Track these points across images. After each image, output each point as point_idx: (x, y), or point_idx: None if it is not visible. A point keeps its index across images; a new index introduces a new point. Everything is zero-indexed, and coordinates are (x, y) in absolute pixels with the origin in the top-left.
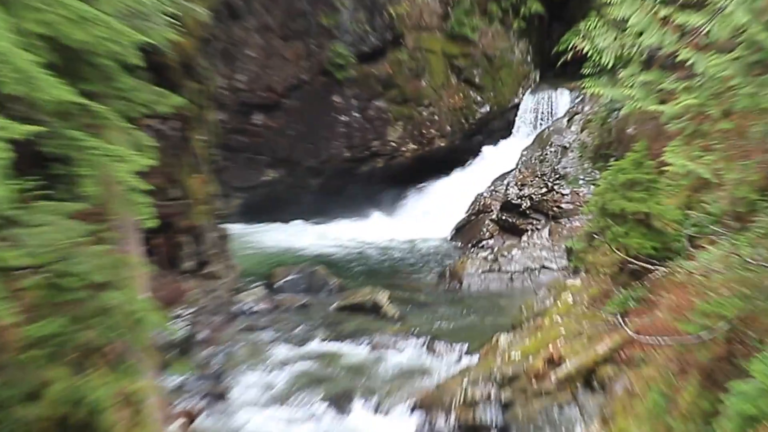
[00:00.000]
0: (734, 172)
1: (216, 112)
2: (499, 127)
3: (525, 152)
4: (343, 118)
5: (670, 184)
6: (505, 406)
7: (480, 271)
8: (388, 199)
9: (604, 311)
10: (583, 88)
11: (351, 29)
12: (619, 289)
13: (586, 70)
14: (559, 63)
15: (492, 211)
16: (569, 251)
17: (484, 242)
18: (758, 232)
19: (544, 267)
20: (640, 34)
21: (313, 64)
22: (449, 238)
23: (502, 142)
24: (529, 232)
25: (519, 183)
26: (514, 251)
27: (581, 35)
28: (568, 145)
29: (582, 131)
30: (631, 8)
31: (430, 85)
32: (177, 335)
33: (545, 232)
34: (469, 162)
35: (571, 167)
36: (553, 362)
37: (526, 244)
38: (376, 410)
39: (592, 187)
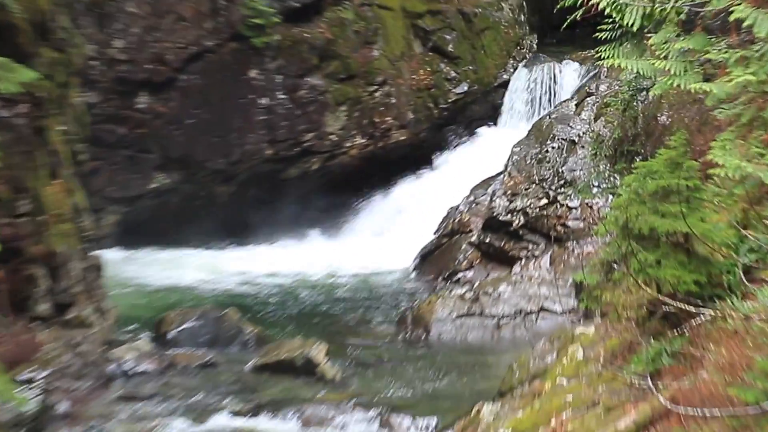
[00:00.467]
0: None
1: (84, 93)
2: (481, 113)
3: (517, 149)
4: (263, 101)
5: (719, 194)
6: None
7: (454, 315)
8: (326, 214)
9: (627, 371)
10: (598, 59)
11: None
12: (648, 341)
13: (601, 35)
14: (565, 25)
15: (471, 231)
16: (579, 287)
17: (460, 275)
18: None
19: (543, 309)
20: None
21: (221, 25)
22: (412, 268)
23: (486, 135)
24: (523, 261)
25: (509, 192)
26: (502, 287)
27: None
28: (576, 139)
29: (596, 119)
30: None
31: (385, 55)
32: (27, 408)
33: (545, 261)
34: (439, 162)
35: (581, 170)
36: None
37: (519, 278)
38: None
39: (610, 197)
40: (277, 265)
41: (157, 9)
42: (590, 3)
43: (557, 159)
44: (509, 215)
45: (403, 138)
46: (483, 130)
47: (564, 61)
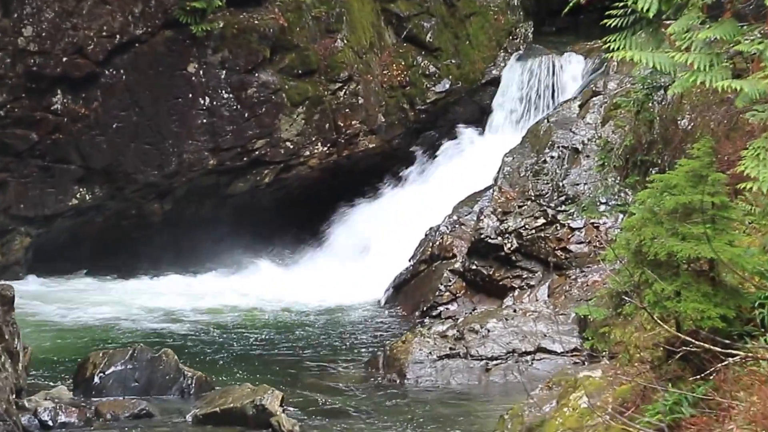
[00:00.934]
0: None
1: None
2: (467, 116)
3: (509, 158)
4: (204, 101)
5: (750, 213)
6: None
7: (435, 356)
8: (281, 236)
9: (640, 423)
10: (607, 51)
11: None
12: (665, 387)
13: (610, 22)
14: (567, 10)
15: (454, 256)
16: (583, 323)
17: (441, 309)
18: None
19: (540, 349)
20: None
21: (152, 9)
22: (384, 301)
23: (472, 142)
24: (517, 292)
25: (499, 210)
26: (492, 323)
27: None
28: (580, 147)
29: (604, 123)
30: None
31: (351, 45)
32: None
33: (543, 292)
34: (415, 175)
35: (585, 184)
36: None
37: (512, 312)
38: None
39: (620, 216)
40: (222, 297)
41: None
42: None
43: (557, 171)
44: (500, 238)
45: (372, 145)
46: (468, 136)
47: (566, 54)
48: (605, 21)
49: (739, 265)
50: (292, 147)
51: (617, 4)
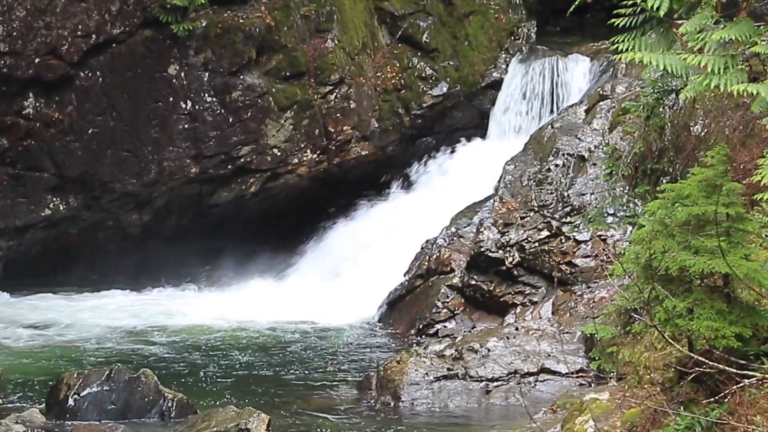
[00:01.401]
0: None
1: None
2: (466, 121)
3: (511, 167)
4: (185, 105)
5: (767, 225)
6: None
7: (431, 377)
8: (267, 249)
9: None
10: (614, 52)
11: None
12: (677, 410)
13: (618, 22)
14: (572, 9)
15: (453, 271)
16: (589, 342)
17: (438, 326)
18: None
19: (544, 370)
20: None
21: (131, 8)
22: (377, 318)
23: (471, 149)
24: (519, 309)
25: (500, 221)
26: (492, 342)
27: None
28: (586, 155)
29: (612, 130)
30: None
31: (342, 46)
32: None
33: (546, 309)
34: (411, 184)
35: (591, 193)
36: None
37: (514, 330)
38: None
39: (629, 229)
40: (205, 314)
41: None
42: None
43: (562, 180)
44: (501, 251)
45: (365, 153)
46: (467, 143)
47: (571, 56)
48: (613, 20)
49: (755, 281)
50: (279, 154)
51: (626, 2)
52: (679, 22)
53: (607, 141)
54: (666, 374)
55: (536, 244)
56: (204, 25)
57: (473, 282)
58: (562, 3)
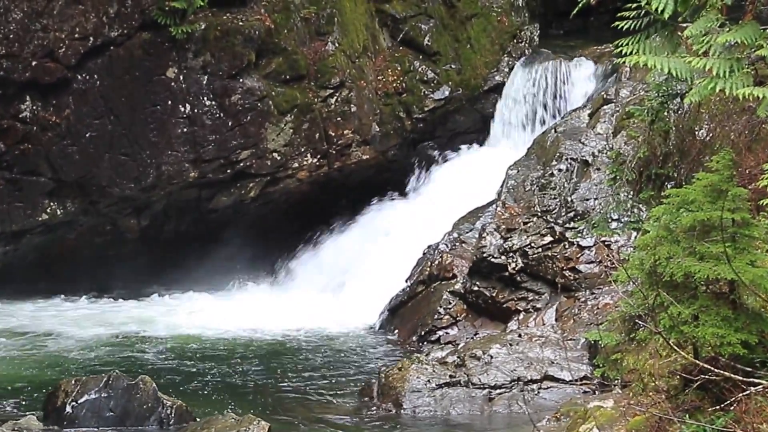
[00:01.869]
0: None
1: None
2: (468, 125)
3: (513, 171)
4: (184, 108)
5: None
6: None
7: (433, 384)
8: (267, 254)
9: None
10: (618, 55)
11: None
12: (682, 418)
13: (622, 24)
14: (576, 11)
15: (455, 277)
16: (593, 349)
17: (440, 333)
18: None
19: (547, 377)
20: None
21: (129, 10)
22: (378, 325)
23: (473, 153)
24: (522, 315)
25: (503, 227)
26: (495, 349)
27: None
28: (590, 160)
29: (616, 134)
30: None
31: (342, 49)
32: None
33: (550, 315)
34: (412, 189)
35: (595, 199)
36: None
37: (517, 337)
38: None
39: (633, 234)
40: (203, 320)
41: None
42: None
43: (565, 185)
44: (503, 257)
45: (366, 157)
46: (469, 147)
47: (575, 60)
48: (617, 23)
49: (761, 287)
50: (279, 158)
51: (630, 5)
52: (684, 25)
53: (611, 145)
54: (671, 382)
55: (539, 249)
56: (203, 27)
57: (476, 288)
58: (565, 6)
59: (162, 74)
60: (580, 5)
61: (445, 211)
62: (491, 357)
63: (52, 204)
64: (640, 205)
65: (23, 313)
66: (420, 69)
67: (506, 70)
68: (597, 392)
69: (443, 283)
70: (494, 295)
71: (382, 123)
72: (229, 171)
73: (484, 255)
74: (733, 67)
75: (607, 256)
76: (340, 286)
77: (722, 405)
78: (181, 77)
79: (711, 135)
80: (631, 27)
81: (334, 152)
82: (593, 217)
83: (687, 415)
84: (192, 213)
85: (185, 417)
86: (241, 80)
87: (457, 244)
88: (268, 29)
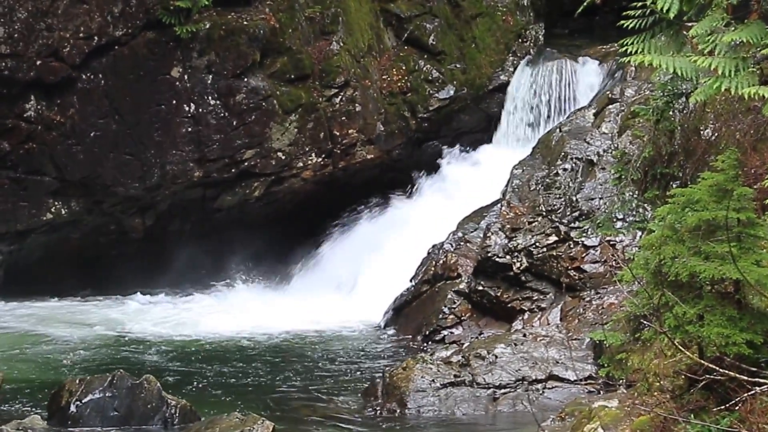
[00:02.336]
0: None
1: None
2: (472, 125)
3: (518, 171)
4: (189, 108)
5: None
6: None
7: (438, 384)
8: (271, 254)
9: None
10: (623, 55)
11: None
12: (687, 418)
13: (628, 24)
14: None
15: (459, 276)
16: (598, 349)
17: (444, 332)
18: None
19: (552, 377)
20: None
21: (134, 9)
22: (383, 324)
23: (478, 153)
24: (526, 315)
25: (508, 226)
26: (500, 349)
27: None
28: (595, 159)
29: (621, 133)
30: None
31: (347, 48)
32: None
33: (554, 315)
34: (417, 188)
35: (600, 198)
36: None
37: (521, 337)
38: None
39: (639, 234)
40: (207, 320)
41: None
42: None
43: (570, 184)
44: (508, 256)
45: (370, 156)
46: (474, 147)
47: (581, 59)
48: (622, 22)
49: (767, 287)
50: (283, 158)
51: (635, 4)
52: (690, 24)
53: (616, 145)
54: (676, 381)
55: (544, 249)
56: (207, 27)
57: (480, 288)
58: (570, 5)
59: (166, 74)
60: (584, 4)
61: (449, 211)
62: (496, 357)
63: (56, 203)
64: (645, 205)
65: (27, 312)
66: (425, 68)
67: (511, 69)
68: (602, 392)
69: (448, 282)
70: (499, 294)
71: (386, 122)
72: (233, 170)
73: (489, 254)
74: (739, 66)
75: (612, 255)
76: (344, 286)
77: (727, 405)
78: (186, 77)
79: (716, 134)
80: (637, 26)
81: (338, 152)
82: (598, 216)
83: (692, 415)
84: (196, 212)
85: (190, 417)
86: (245, 80)
87: (462, 243)
88: (272, 29)
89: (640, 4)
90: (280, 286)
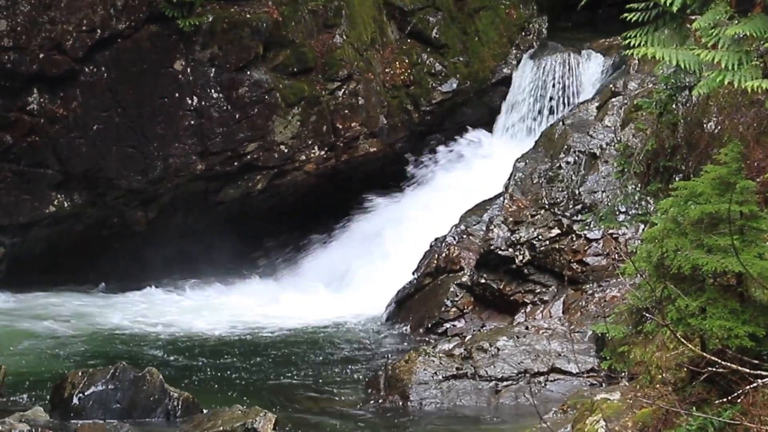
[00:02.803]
0: None
1: None
2: (475, 118)
3: (521, 164)
4: (191, 101)
5: None
6: None
7: (440, 376)
8: (274, 246)
9: None
10: (627, 48)
11: None
12: (689, 411)
13: (631, 17)
14: (583, 3)
15: (462, 269)
16: (600, 342)
17: (447, 325)
18: None
19: (554, 370)
20: None
21: (137, 2)
22: (385, 317)
23: (481, 146)
24: (529, 308)
25: (510, 219)
26: (502, 342)
27: None
28: (598, 152)
29: (624, 126)
30: None
31: (350, 41)
32: None
33: (557, 308)
34: (419, 181)
35: (603, 191)
36: None
37: (524, 329)
38: None
39: (641, 227)
40: (210, 312)
41: None
42: None
43: (573, 177)
44: (511, 249)
45: (373, 149)
46: (477, 140)
47: (584, 52)
48: (625, 15)
49: None
50: (286, 151)
51: None
52: (693, 17)
53: (619, 138)
54: (678, 374)
55: (547, 242)
56: (210, 20)
57: (483, 280)
58: None
59: (169, 67)
60: None
61: (452, 204)
62: (498, 349)
63: (59, 196)
64: (648, 198)
65: (30, 304)
66: (428, 61)
67: (514, 62)
68: (604, 384)
69: (450, 275)
70: (501, 287)
71: (389, 115)
72: (236, 163)
73: (492, 247)
74: (742, 59)
75: (615, 248)
76: (347, 279)
77: (729, 397)
78: (189, 70)
79: (719, 127)
80: (640, 19)
81: (341, 145)
82: (601, 209)
83: (694, 408)
84: (199, 206)
85: (192, 409)
86: (248, 73)
87: (465, 236)
88: (275, 22)
89: None
90: (282, 278)
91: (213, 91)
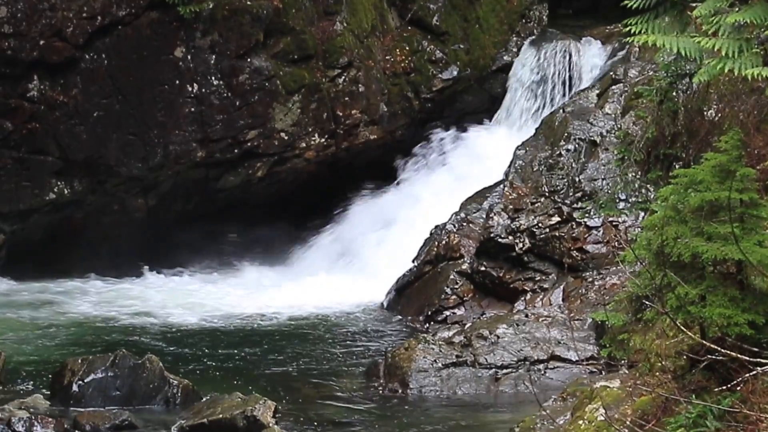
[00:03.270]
0: None
1: None
2: (476, 105)
3: (521, 152)
4: (192, 88)
5: None
6: None
7: (440, 364)
8: (274, 235)
9: None
10: (627, 35)
11: None
12: (689, 398)
13: (632, 4)
14: None
15: (462, 257)
16: (600, 329)
17: (447, 313)
18: None
19: (554, 357)
20: None
21: None
22: (385, 304)
23: (481, 134)
24: (529, 296)
25: (510, 207)
26: (502, 329)
27: None
28: (598, 140)
29: (624, 114)
30: None
31: (351, 29)
32: None
33: (557, 295)
34: (420, 169)
35: (603, 179)
36: None
37: (523, 317)
38: None
39: (641, 214)
40: (210, 299)
41: None
42: None
43: (573, 165)
44: (511, 237)
45: (374, 137)
46: (478, 128)
47: (584, 39)
48: (626, 2)
49: None
50: (287, 138)
51: None
52: (693, 4)
53: (619, 126)
54: (678, 362)
55: (547, 230)
56: (211, 7)
57: (483, 268)
58: None
59: (170, 54)
60: None
61: (452, 192)
62: (498, 337)
63: (59, 183)
64: (648, 186)
65: (30, 292)
66: (428, 49)
67: (515, 50)
68: (603, 372)
69: (450, 263)
70: (501, 275)
71: (389, 103)
72: (236, 151)
73: (492, 235)
74: (743, 47)
75: (615, 236)
76: (347, 266)
77: (729, 385)
78: (189, 57)
79: (720, 115)
80: (640, 6)
81: (341, 132)
82: (601, 197)
83: (693, 396)
84: (200, 193)
85: (192, 396)
86: (249, 60)
87: (465, 224)
88: (276, 9)
89: None
90: (282, 266)
91: (213, 78)
